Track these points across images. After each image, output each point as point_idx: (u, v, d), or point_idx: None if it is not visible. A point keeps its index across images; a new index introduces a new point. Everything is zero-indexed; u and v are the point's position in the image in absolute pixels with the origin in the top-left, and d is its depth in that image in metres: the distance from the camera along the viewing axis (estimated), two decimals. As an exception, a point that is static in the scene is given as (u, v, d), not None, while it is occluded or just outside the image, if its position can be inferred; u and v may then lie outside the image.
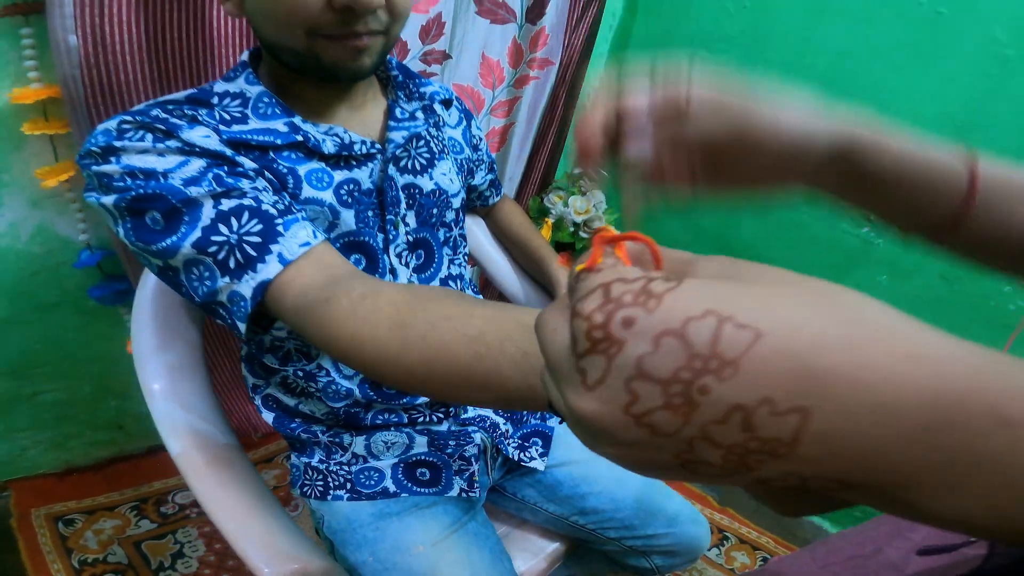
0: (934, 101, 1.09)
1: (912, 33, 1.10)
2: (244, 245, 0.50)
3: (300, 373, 0.66)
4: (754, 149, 0.34)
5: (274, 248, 0.50)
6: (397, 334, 0.42)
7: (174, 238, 0.50)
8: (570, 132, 1.50)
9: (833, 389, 0.15)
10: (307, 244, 0.51)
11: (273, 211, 0.52)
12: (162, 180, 0.50)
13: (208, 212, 0.50)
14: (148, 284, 0.70)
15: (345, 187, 0.60)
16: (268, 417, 0.70)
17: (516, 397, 0.38)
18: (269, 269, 0.49)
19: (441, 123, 0.73)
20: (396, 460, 0.68)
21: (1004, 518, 0.15)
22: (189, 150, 0.52)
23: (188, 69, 0.93)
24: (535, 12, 1.24)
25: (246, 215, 0.50)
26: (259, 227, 0.50)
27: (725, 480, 0.17)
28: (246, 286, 0.49)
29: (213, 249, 0.50)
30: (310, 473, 0.68)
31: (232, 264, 0.50)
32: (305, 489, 0.68)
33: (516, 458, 0.75)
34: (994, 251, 0.35)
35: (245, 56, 0.62)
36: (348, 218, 0.61)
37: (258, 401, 0.71)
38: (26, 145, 0.91)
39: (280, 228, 0.51)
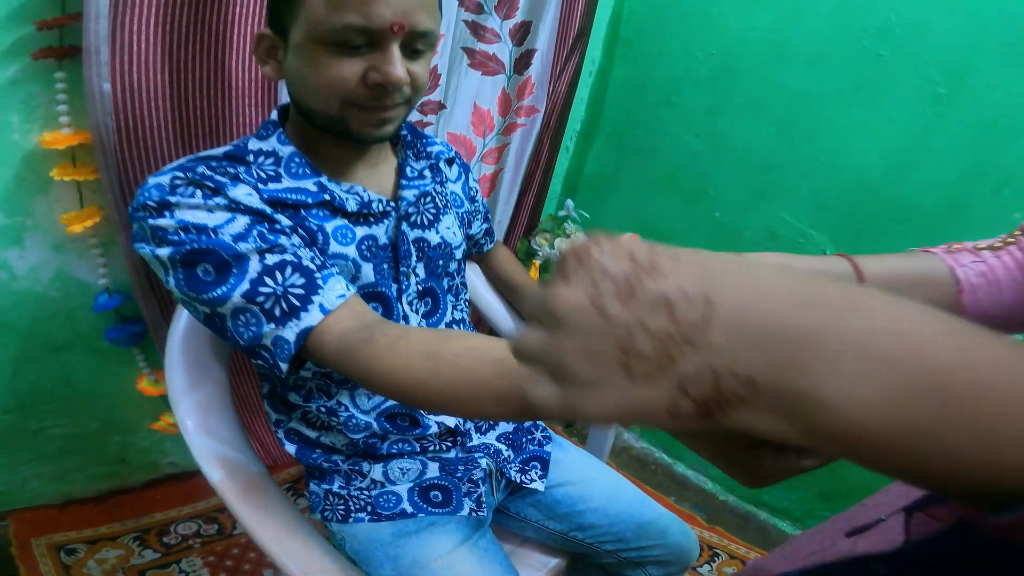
0: (879, 139, 1.20)
1: (858, 75, 1.20)
2: (289, 296, 0.56)
3: (323, 409, 0.73)
4: None
5: (315, 299, 0.57)
6: (429, 364, 0.50)
7: (224, 289, 0.56)
8: (554, 176, 1.60)
9: (726, 278, 0.21)
10: (343, 296, 0.58)
11: (312, 266, 0.59)
12: (213, 236, 0.56)
13: (255, 266, 0.57)
14: (178, 330, 0.76)
15: (365, 243, 0.68)
16: (291, 448, 0.76)
17: (531, 405, 0.45)
18: (312, 317, 0.56)
19: (444, 179, 0.81)
20: (411, 484, 0.75)
21: (880, 403, 0.18)
22: (235, 207, 0.59)
23: (208, 117, 0.99)
24: (522, 63, 1.34)
25: (289, 269, 0.57)
26: (302, 280, 0.57)
27: (655, 390, 0.21)
28: (290, 332, 0.56)
29: (260, 299, 0.56)
30: (331, 499, 0.74)
31: (278, 312, 0.56)
32: (326, 513, 0.74)
33: (518, 480, 0.81)
34: None
35: (275, 115, 0.69)
36: (368, 271, 0.68)
37: (281, 434, 0.77)
38: (51, 189, 0.96)
39: (320, 282, 0.58)
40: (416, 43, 0.61)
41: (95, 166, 0.95)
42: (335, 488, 0.74)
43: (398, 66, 0.58)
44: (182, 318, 0.77)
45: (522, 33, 1.31)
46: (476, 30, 1.25)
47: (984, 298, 0.46)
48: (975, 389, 0.18)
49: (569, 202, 1.53)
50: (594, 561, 0.85)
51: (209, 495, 1.31)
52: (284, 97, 1.06)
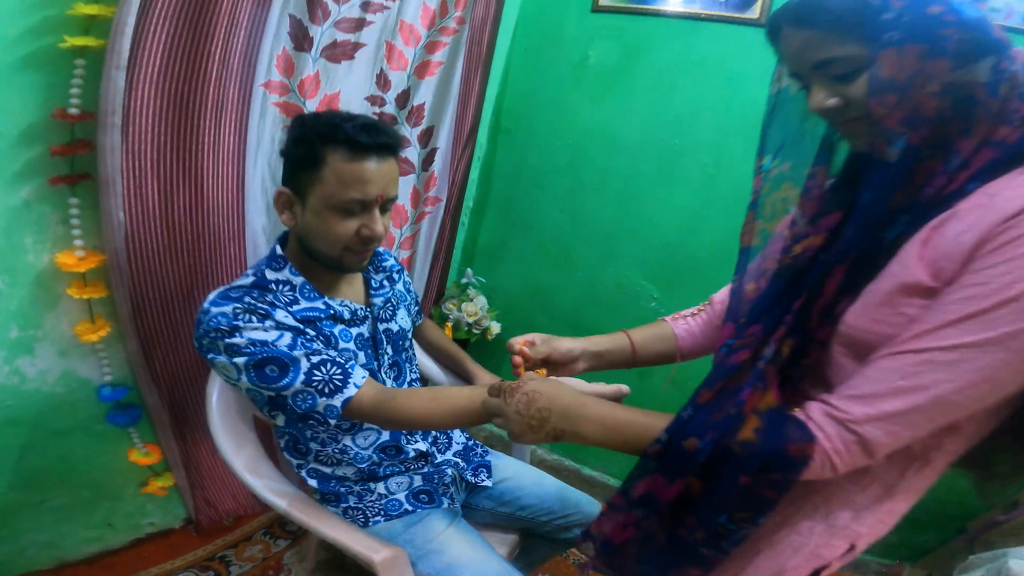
0: (676, 211, 1.62)
1: (662, 161, 1.60)
2: (333, 380, 0.88)
3: (336, 450, 1.03)
4: (559, 358, 0.91)
5: (350, 380, 0.89)
6: (432, 403, 0.88)
7: (286, 380, 0.87)
8: (455, 248, 1.93)
9: (556, 403, 0.70)
10: (364, 376, 0.91)
11: (342, 360, 0.91)
12: (273, 347, 0.87)
13: (304, 364, 0.88)
14: (212, 409, 1.03)
15: (358, 339, 1.01)
16: (313, 483, 1.06)
17: (485, 419, 0.83)
18: (350, 391, 0.89)
19: (394, 283, 1.16)
20: (406, 492, 1.08)
21: (600, 440, 0.69)
22: (281, 326, 0.89)
23: (189, 232, 1.20)
24: (428, 161, 1.69)
25: (329, 364, 0.89)
26: (339, 371, 0.89)
27: (540, 432, 0.70)
28: (337, 400, 0.88)
29: (314, 384, 0.88)
30: (350, 512, 1.05)
31: (327, 391, 0.88)
32: (346, 525, 1.05)
33: (473, 481, 1.17)
34: (647, 363, 0.96)
35: (279, 250, 0.99)
36: (362, 356, 1.01)
37: (303, 473, 1.06)
38: (60, 303, 1.14)
39: (350, 370, 0.90)
40: (387, 205, 0.96)
41: (102, 284, 1.16)
42: (352, 504, 1.05)
43: (379, 224, 0.93)
44: (213, 402, 1.04)
45: (427, 136, 1.66)
46: (391, 140, 1.58)
47: (688, 344, 0.94)
48: (621, 426, 0.68)
49: (469, 270, 1.87)
50: (537, 533, 1.23)
51: (194, 548, 1.50)
52: (250, 213, 1.32)
